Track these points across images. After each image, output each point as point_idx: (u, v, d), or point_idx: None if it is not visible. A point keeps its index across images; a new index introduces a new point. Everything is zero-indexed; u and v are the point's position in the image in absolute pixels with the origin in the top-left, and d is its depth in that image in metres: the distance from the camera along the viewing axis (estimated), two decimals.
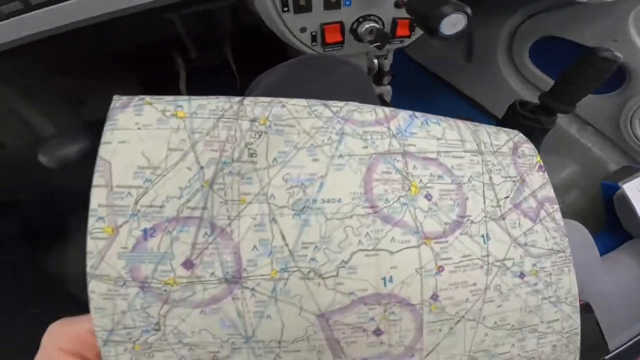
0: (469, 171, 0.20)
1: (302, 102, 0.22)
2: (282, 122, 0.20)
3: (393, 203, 0.20)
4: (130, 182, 0.18)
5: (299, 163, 0.20)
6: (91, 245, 0.18)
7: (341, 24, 0.43)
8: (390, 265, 0.19)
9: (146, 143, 0.18)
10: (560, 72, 0.49)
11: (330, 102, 0.22)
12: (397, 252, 0.19)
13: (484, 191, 0.20)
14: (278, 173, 0.19)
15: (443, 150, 0.21)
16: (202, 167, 0.19)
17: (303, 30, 0.43)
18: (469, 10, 0.34)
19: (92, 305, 0.17)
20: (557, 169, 0.70)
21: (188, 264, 0.18)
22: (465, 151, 0.21)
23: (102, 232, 0.18)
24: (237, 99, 0.21)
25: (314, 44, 0.44)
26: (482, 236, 0.19)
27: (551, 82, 0.54)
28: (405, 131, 0.22)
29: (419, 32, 0.49)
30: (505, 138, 0.22)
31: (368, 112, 0.22)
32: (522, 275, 0.19)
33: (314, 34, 0.43)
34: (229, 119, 0.20)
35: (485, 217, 0.20)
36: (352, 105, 0.22)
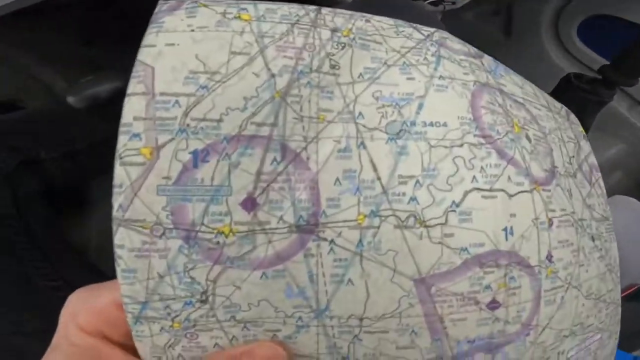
0: (548, 124, 0.18)
1: (389, 20, 0.17)
2: (367, 36, 0.16)
3: (503, 136, 0.16)
4: (180, 89, 0.13)
5: (391, 81, 0.15)
6: (121, 174, 0.13)
7: None
8: (509, 211, 0.15)
9: (202, 45, 0.14)
10: (613, 52, 0.44)
11: (418, 26, 0.18)
12: (514, 195, 0.15)
13: (560, 146, 0.18)
14: (366, 89, 0.15)
15: (527, 99, 0.18)
16: (273, 75, 0.14)
17: None
18: None
19: (120, 267, 0.13)
20: (603, 147, 0.65)
21: (250, 204, 0.13)
22: (541, 105, 0.19)
23: (138, 154, 0.13)
24: (313, 7, 0.16)
25: None
26: (568, 191, 0.17)
27: (603, 61, 0.49)
28: (495, 71, 0.18)
29: None
30: (559, 104, 0.21)
31: (459, 43, 0.19)
32: (593, 238, 0.18)
33: None
34: (305, 25, 0.15)
35: (565, 172, 0.18)
36: (443, 32, 0.18)
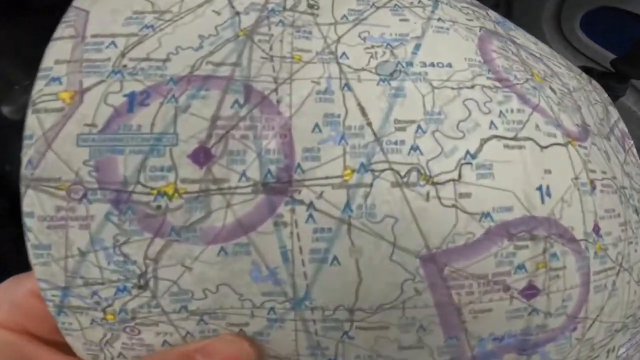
0: (571, 83, 0.15)
1: None
2: None
3: (524, 83, 0.13)
4: (118, 30, 0.11)
5: (381, 22, 0.12)
6: (32, 124, 0.10)
7: None
8: (543, 166, 0.11)
9: None
10: (616, 45, 0.42)
11: None
12: (547, 147, 0.12)
13: (587, 105, 0.15)
14: (351, 30, 0.12)
15: (543, 54, 0.16)
16: (237, 13, 0.11)
17: None
18: None
19: (30, 241, 0.10)
20: None
21: (202, 156, 0.10)
22: (559, 63, 0.16)
23: (55, 99, 0.10)
24: None
25: None
26: (604, 152, 0.14)
27: (608, 54, 0.47)
28: (504, 23, 0.16)
29: None
30: (577, 69, 0.19)
31: None
32: (637, 211, 0.14)
33: None
34: None
35: (598, 132, 0.15)
36: None
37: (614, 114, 0.18)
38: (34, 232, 0.10)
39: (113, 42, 0.11)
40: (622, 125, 0.17)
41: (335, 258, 0.10)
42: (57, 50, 0.11)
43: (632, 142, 0.17)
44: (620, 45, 0.45)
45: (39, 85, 0.10)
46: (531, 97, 0.12)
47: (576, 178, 0.12)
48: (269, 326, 0.11)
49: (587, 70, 0.47)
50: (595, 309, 0.12)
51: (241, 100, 0.10)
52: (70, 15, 0.11)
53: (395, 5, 0.13)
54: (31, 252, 0.10)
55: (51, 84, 0.10)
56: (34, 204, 0.10)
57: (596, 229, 0.12)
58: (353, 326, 0.11)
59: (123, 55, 0.11)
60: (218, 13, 0.11)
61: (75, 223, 0.10)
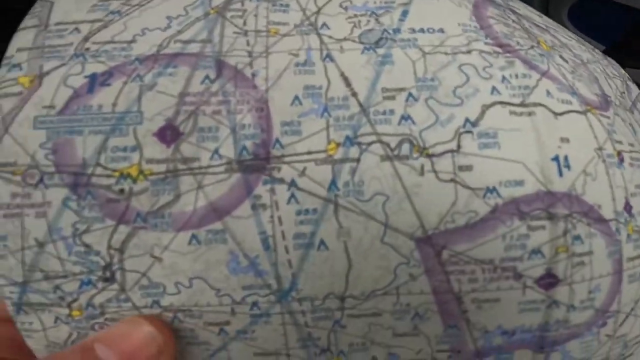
0: (584, 55, 0.14)
1: None
2: None
3: (528, 49, 0.11)
4: (82, 17, 0.10)
5: None
6: None
7: None
8: (558, 134, 0.10)
9: None
10: (604, 35, 0.42)
11: None
12: (562, 114, 0.10)
13: (605, 77, 0.14)
14: (331, 1, 0.11)
15: (550, 27, 0.14)
16: None
17: None
18: None
19: None
20: None
21: (170, 134, 0.09)
22: (569, 37, 0.15)
23: (15, 84, 0.09)
24: None
25: None
26: (630, 125, 0.12)
27: (596, 44, 0.47)
28: None
29: None
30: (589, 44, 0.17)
31: None
32: None
33: None
34: None
35: (621, 104, 0.13)
36: None
37: (635, 89, 0.16)
38: None
39: (76, 29, 0.10)
40: None
41: (322, 242, 0.09)
42: (20, 39, 0.10)
43: None
44: (607, 35, 0.44)
45: (1, 72, 0.10)
46: (539, 63, 0.11)
47: (600, 149, 0.10)
48: (254, 322, 0.09)
49: None
50: (630, 301, 0.10)
51: (212, 76, 0.10)
52: (35, 7, 0.11)
53: None
54: None
55: (12, 70, 0.10)
56: None
57: (628, 208, 0.10)
58: (344, 314, 0.10)
59: (86, 39, 0.10)
60: None
61: (31, 211, 0.09)
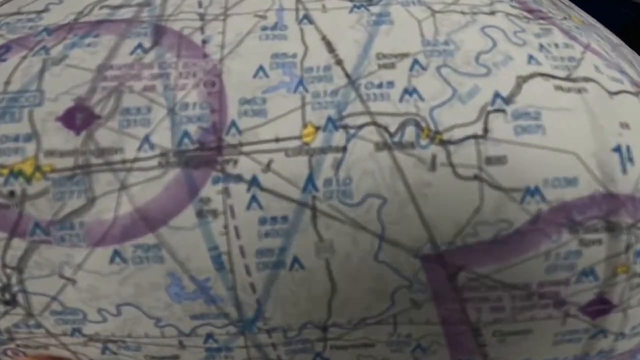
0: (612, 37, 0.11)
1: None
2: None
3: (561, 19, 0.09)
4: None
5: None
6: None
7: None
8: (618, 119, 0.07)
9: None
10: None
11: None
12: (616, 94, 0.08)
13: (636, 62, 0.11)
14: None
15: (571, 6, 0.11)
16: None
17: None
18: None
19: None
20: None
21: (78, 117, 0.07)
22: (592, 20, 0.12)
23: None
24: None
25: None
26: None
27: None
28: None
29: None
30: None
31: None
32: None
33: None
34: None
35: None
36: None
37: None
38: None
39: None
40: None
41: (295, 260, 0.07)
42: None
43: None
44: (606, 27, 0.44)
45: None
46: (577, 35, 0.08)
47: None
48: (210, 357, 0.08)
49: None
50: None
51: (147, 44, 0.07)
52: None
53: None
54: None
55: None
56: None
57: None
58: (327, 346, 0.08)
59: None
60: None
61: None
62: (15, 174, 0.06)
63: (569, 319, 0.07)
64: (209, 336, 0.07)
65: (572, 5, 0.12)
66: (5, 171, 0.06)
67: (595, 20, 0.14)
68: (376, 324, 0.07)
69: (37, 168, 0.06)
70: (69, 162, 0.06)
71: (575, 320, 0.07)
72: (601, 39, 0.09)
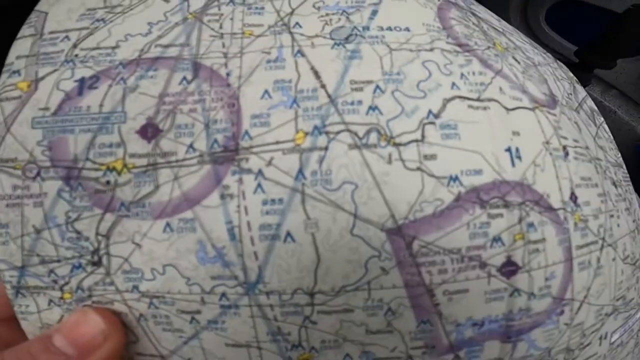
0: (535, 57, 0.14)
1: None
2: None
3: (485, 50, 0.11)
4: (72, 25, 0.11)
5: None
6: None
7: None
8: (510, 128, 0.10)
9: None
10: (580, 38, 0.42)
11: None
12: (513, 110, 0.10)
13: (554, 79, 0.14)
14: (305, 2, 0.11)
15: (507, 31, 0.14)
16: None
17: None
18: None
19: None
20: None
21: (150, 131, 0.10)
22: (523, 40, 0.15)
23: (15, 89, 0.10)
24: None
25: None
26: (575, 123, 0.13)
27: (572, 47, 0.48)
28: None
29: None
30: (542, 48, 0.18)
31: None
32: (614, 184, 0.13)
33: None
34: None
35: (567, 104, 0.13)
36: None
37: (581, 91, 0.16)
38: None
39: (67, 36, 0.11)
40: (590, 102, 0.16)
41: (288, 234, 0.09)
42: (19, 48, 0.11)
43: (602, 119, 0.16)
44: (584, 38, 0.44)
45: (3, 78, 0.11)
46: (493, 62, 0.11)
47: (547, 142, 0.11)
48: (223, 313, 0.09)
49: None
50: (582, 289, 0.10)
51: (189, 77, 0.10)
52: (31, 17, 0.12)
53: None
54: None
55: (12, 77, 0.10)
56: None
57: (573, 197, 0.10)
58: (314, 310, 0.09)
59: (75, 46, 0.11)
60: (167, 1, 0.11)
61: (30, 201, 0.10)
62: (110, 169, 0.09)
63: (492, 278, 0.09)
64: (223, 295, 0.09)
65: (507, 30, 0.15)
66: (104, 167, 0.09)
67: (529, 40, 0.16)
68: (354, 291, 0.09)
69: (125, 165, 0.09)
70: (144, 161, 0.09)
71: (496, 280, 0.09)
72: (517, 62, 0.12)
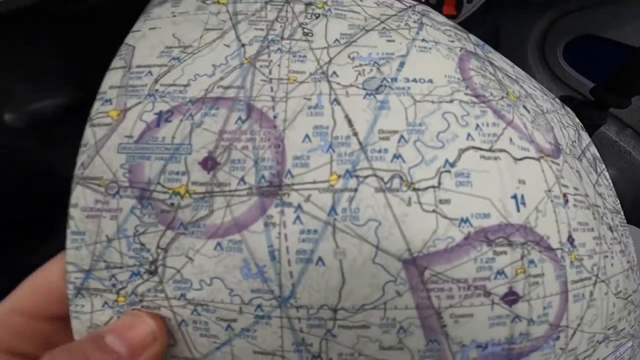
0: (544, 105, 0.16)
1: None
2: (343, 7, 0.15)
3: (499, 100, 0.13)
4: (154, 62, 0.13)
5: (369, 43, 0.13)
6: (88, 135, 0.12)
7: None
8: (517, 177, 0.12)
9: (180, 26, 0.14)
10: (598, 74, 0.42)
11: None
12: (521, 160, 0.12)
13: (560, 127, 0.16)
14: (342, 52, 0.13)
15: (520, 78, 0.16)
16: (243, 45, 0.13)
17: None
18: None
19: (70, 228, 0.12)
20: None
21: (210, 163, 0.11)
22: (534, 86, 0.17)
23: (106, 116, 0.12)
24: None
25: None
26: (577, 172, 0.14)
27: (588, 83, 0.48)
28: (484, 47, 0.16)
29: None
30: (551, 94, 0.19)
31: (443, 17, 0.17)
32: (610, 229, 0.14)
33: None
34: (278, 2, 0.14)
35: (570, 152, 0.15)
36: (426, 6, 0.17)
37: (586, 138, 0.18)
38: (75, 220, 0.11)
39: (149, 72, 0.13)
40: (593, 149, 0.18)
41: (320, 259, 0.10)
42: (111, 78, 0.13)
43: (603, 166, 0.17)
44: (601, 74, 0.44)
45: (97, 105, 0.12)
46: (506, 113, 0.13)
47: (549, 190, 0.12)
48: (256, 322, 0.11)
49: (569, 99, 0.45)
50: (576, 318, 0.12)
51: (243, 117, 0.12)
52: (122, 50, 0.14)
53: (383, 28, 0.14)
54: (69, 238, 0.11)
55: (105, 105, 0.12)
56: (79, 197, 0.12)
57: (570, 240, 0.12)
58: (336, 325, 0.11)
59: (156, 82, 0.12)
60: (228, 46, 0.13)
61: (107, 214, 0.11)
62: (175, 193, 0.11)
63: (495, 305, 0.10)
64: (259, 306, 0.11)
65: (520, 77, 0.17)
66: (171, 191, 0.11)
67: (541, 86, 0.18)
68: (371, 309, 0.10)
69: (187, 191, 0.11)
70: (202, 189, 0.11)
71: (499, 307, 0.10)
72: (527, 111, 0.14)
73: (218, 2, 0.14)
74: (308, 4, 0.14)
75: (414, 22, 0.14)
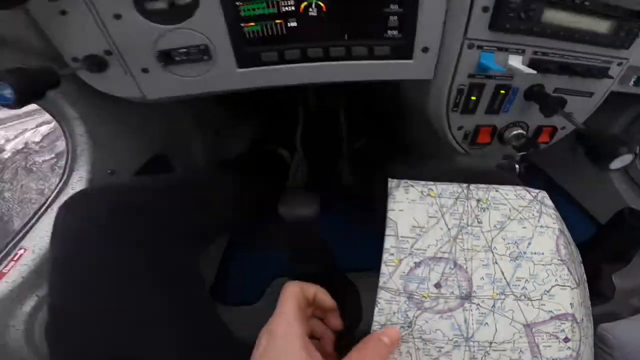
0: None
1: (509, 187, 0.31)
2: (497, 202, 0.30)
3: (569, 261, 0.28)
4: (408, 234, 0.29)
5: (512, 229, 0.29)
6: (384, 269, 0.29)
7: (494, 127, 0.44)
8: (571, 296, 0.27)
9: (415, 212, 0.30)
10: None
11: (527, 188, 0.31)
12: (572, 289, 0.27)
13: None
14: (498, 235, 0.29)
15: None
16: (449, 229, 0.29)
17: (460, 128, 0.44)
18: (637, 150, 0.34)
19: (378, 307, 0.28)
20: None
21: (438, 285, 0.28)
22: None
23: (393, 262, 0.29)
24: (466, 185, 0.31)
25: (464, 140, 0.46)
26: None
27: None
28: (562, 221, 0.31)
29: (557, 138, 0.47)
30: None
31: (550, 202, 0.31)
32: None
33: (467, 132, 0.44)
34: (462, 199, 0.30)
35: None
36: (542, 192, 0.31)
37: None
38: (381, 304, 0.29)
39: (407, 241, 0.29)
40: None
41: (486, 323, 0.28)
42: (390, 242, 0.29)
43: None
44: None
45: (386, 255, 0.29)
46: (571, 269, 0.28)
47: (581, 300, 0.28)
48: (453, 348, 0.27)
49: (632, 212, 0.50)
50: (583, 345, 0.27)
51: (452, 267, 0.28)
52: (389, 223, 0.29)
53: (520, 218, 0.29)
54: (377, 311, 0.29)
55: (391, 256, 0.29)
56: (382, 295, 0.29)
57: (582, 320, 0.28)
58: (491, 349, 0.27)
59: (412, 246, 0.29)
60: (441, 229, 0.29)
61: (394, 302, 0.29)
62: (423, 297, 0.28)
63: (560, 343, 0.27)
64: (455, 341, 0.27)
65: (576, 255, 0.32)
66: (421, 295, 0.28)
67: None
68: (508, 343, 0.27)
69: (428, 295, 0.28)
70: (435, 295, 0.28)
71: (562, 343, 0.27)
72: (578, 270, 0.30)
73: (430, 195, 0.30)
74: (478, 200, 0.30)
75: (537, 211, 0.29)
